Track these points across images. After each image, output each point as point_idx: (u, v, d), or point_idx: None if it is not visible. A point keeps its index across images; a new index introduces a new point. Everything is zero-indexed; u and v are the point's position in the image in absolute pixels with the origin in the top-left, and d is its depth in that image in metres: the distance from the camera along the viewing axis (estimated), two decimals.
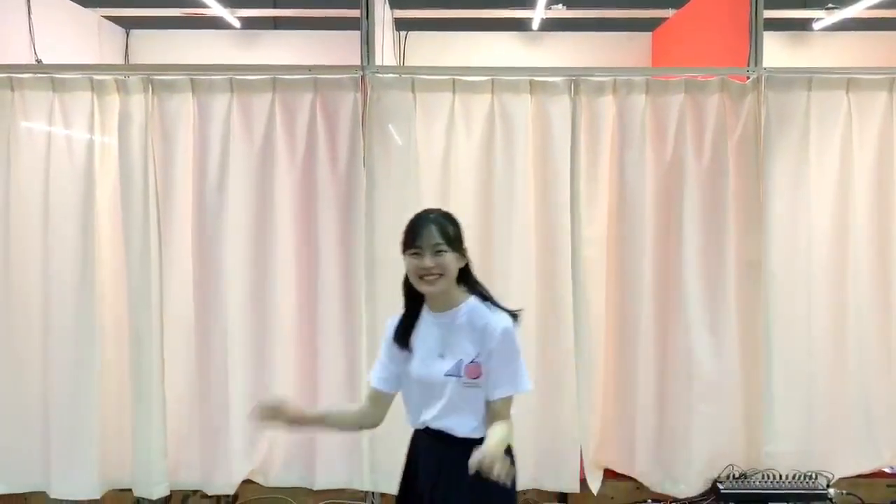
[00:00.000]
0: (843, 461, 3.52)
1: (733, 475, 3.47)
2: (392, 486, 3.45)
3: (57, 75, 3.41)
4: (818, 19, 5.62)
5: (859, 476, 3.56)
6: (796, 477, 3.45)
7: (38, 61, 4.07)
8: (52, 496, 3.48)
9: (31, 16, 4.11)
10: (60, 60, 4.19)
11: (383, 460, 3.44)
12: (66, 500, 3.49)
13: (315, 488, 3.53)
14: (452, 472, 2.16)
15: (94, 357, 3.41)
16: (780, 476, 3.45)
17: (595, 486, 3.53)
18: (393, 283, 3.37)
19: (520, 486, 3.49)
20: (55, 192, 3.42)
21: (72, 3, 4.89)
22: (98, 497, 3.46)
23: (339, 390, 3.49)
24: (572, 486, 3.51)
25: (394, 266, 3.39)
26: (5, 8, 3.91)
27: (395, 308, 3.35)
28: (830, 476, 3.47)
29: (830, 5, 5.44)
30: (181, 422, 3.53)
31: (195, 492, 3.57)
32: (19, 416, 3.49)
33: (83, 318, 3.40)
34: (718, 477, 3.48)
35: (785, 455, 3.48)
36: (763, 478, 3.45)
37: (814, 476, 3.45)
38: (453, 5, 5.64)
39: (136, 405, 3.42)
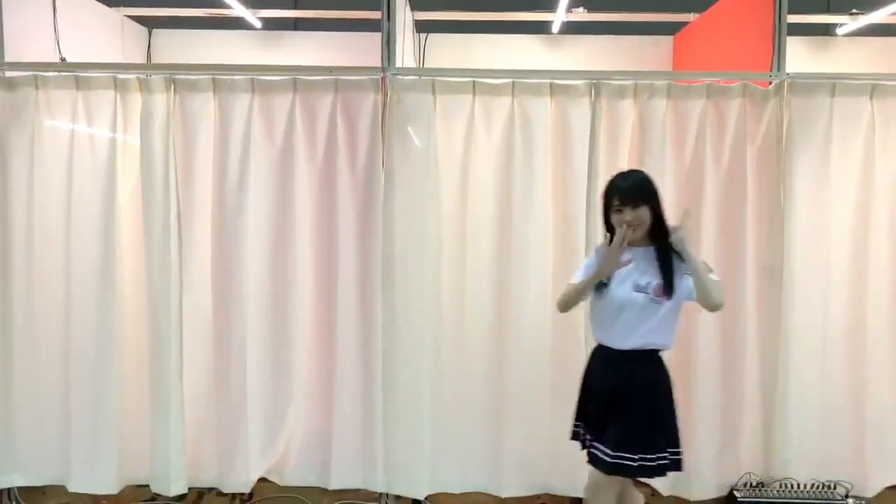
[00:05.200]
0: (863, 471, 3.49)
1: (750, 483, 3.45)
2: (405, 489, 3.49)
3: (81, 74, 3.44)
4: (842, 24, 5.57)
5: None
6: (814, 486, 3.42)
7: (63, 60, 4.11)
8: (71, 490, 3.51)
9: (56, 15, 4.15)
10: (84, 59, 4.23)
11: (397, 462, 3.45)
12: (85, 494, 3.52)
13: (330, 488, 3.54)
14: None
15: (115, 353, 3.44)
16: (798, 485, 3.42)
17: None
18: (410, 283, 3.42)
19: (533, 491, 3.54)
20: (78, 189, 3.45)
21: (96, 2, 4.94)
22: (116, 492, 3.49)
23: (355, 389, 3.50)
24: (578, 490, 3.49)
25: (411, 266, 3.44)
26: (31, 7, 3.95)
27: (413, 306, 3.36)
28: (849, 486, 3.43)
29: (854, 10, 5.39)
30: (198, 419, 3.55)
31: (210, 489, 3.59)
32: (40, 410, 3.52)
33: (104, 314, 3.43)
34: (735, 485, 3.46)
35: (803, 464, 3.45)
36: (780, 487, 3.42)
37: (832, 486, 3.42)
38: (473, 8, 5.64)
39: (154, 402, 3.45)
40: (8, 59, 3.51)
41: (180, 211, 3.44)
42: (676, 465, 2.73)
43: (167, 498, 3.49)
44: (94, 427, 3.47)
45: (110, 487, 3.47)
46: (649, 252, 2.74)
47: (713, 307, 2.70)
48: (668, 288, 2.68)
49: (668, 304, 2.71)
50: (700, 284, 2.67)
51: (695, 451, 3.47)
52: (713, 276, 2.71)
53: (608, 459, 2.70)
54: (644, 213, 2.67)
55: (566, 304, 2.86)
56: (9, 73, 3.47)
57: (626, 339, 2.74)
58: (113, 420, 3.45)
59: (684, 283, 2.71)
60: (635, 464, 2.67)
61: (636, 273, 2.71)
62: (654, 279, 2.70)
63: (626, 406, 2.71)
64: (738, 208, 3.44)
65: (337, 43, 5.68)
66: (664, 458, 2.69)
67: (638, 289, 2.69)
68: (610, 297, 2.74)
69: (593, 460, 2.79)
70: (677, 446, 2.74)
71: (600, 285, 2.76)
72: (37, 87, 3.43)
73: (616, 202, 2.68)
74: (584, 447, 2.89)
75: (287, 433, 3.57)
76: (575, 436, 2.96)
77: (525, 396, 3.48)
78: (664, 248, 2.72)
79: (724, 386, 3.48)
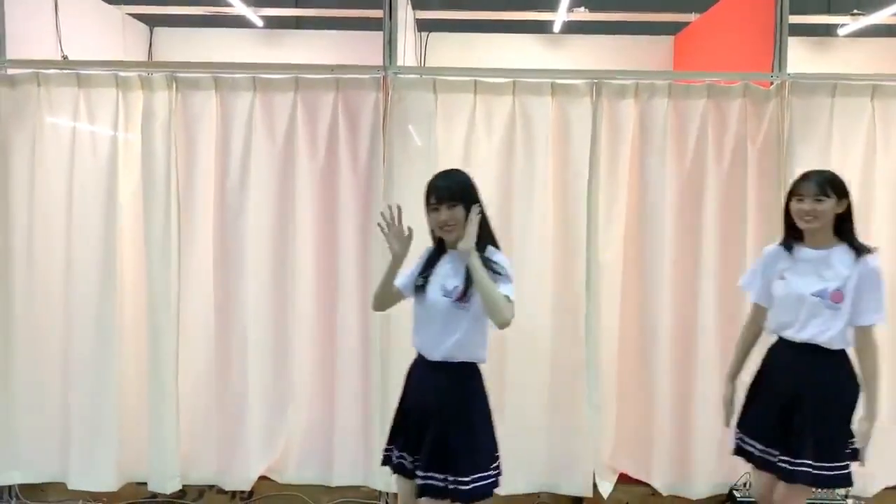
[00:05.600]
0: (863, 470, 3.48)
1: (750, 483, 3.45)
2: None
3: (82, 72, 3.45)
4: (843, 25, 5.58)
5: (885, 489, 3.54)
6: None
7: (64, 57, 4.11)
8: (71, 487, 3.51)
9: (58, 12, 4.15)
10: (85, 57, 4.23)
11: None
12: (84, 492, 3.52)
13: (331, 485, 3.55)
14: None
15: (114, 351, 3.45)
16: None
17: (606, 490, 3.52)
18: None
19: (533, 489, 3.54)
20: (79, 186, 3.46)
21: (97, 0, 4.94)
22: (115, 490, 3.50)
23: (355, 386, 3.51)
24: (586, 490, 3.50)
25: (411, 265, 3.44)
26: (33, 5, 3.95)
27: (410, 306, 3.33)
28: (849, 486, 3.43)
29: (855, 11, 5.39)
30: (199, 417, 3.56)
31: (211, 487, 3.60)
32: (40, 408, 3.53)
33: (104, 313, 3.44)
34: (735, 484, 3.46)
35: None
36: None
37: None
38: (475, 7, 5.65)
39: (151, 401, 3.45)
40: (10, 56, 3.51)
41: (181, 209, 3.44)
42: (488, 490, 2.52)
43: (167, 495, 3.49)
44: (93, 425, 3.47)
45: (110, 485, 3.47)
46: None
47: (498, 324, 2.43)
48: (464, 293, 2.48)
49: (475, 312, 2.49)
50: (483, 297, 2.43)
51: (694, 451, 3.48)
52: (505, 290, 2.43)
53: (418, 481, 2.53)
54: (460, 213, 2.51)
55: (375, 299, 2.71)
56: (11, 71, 3.48)
57: (435, 349, 2.55)
58: (112, 418, 3.45)
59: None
60: (442, 485, 2.48)
61: (449, 276, 2.55)
62: (461, 283, 2.51)
63: (440, 426, 2.50)
64: (738, 208, 3.44)
65: (338, 41, 5.68)
66: (480, 478, 2.49)
67: (445, 293, 2.53)
68: (423, 299, 2.59)
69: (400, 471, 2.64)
70: (486, 468, 2.52)
71: (418, 287, 2.60)
72: (38, 85, 3.44)
73: (433, 201, 2.54)
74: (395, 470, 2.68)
75: (287, 431, 3.58)
76: (386, 460, 2.74)
77: (524, 395, 3.48)
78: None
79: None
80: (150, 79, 3.42)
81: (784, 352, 2.76)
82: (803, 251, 2.72)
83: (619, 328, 3.58)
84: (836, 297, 2.61)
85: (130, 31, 5.41)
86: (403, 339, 3.42)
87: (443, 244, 2.64)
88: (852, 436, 2.67)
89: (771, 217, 3.43)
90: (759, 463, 2.79)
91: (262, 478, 3.59)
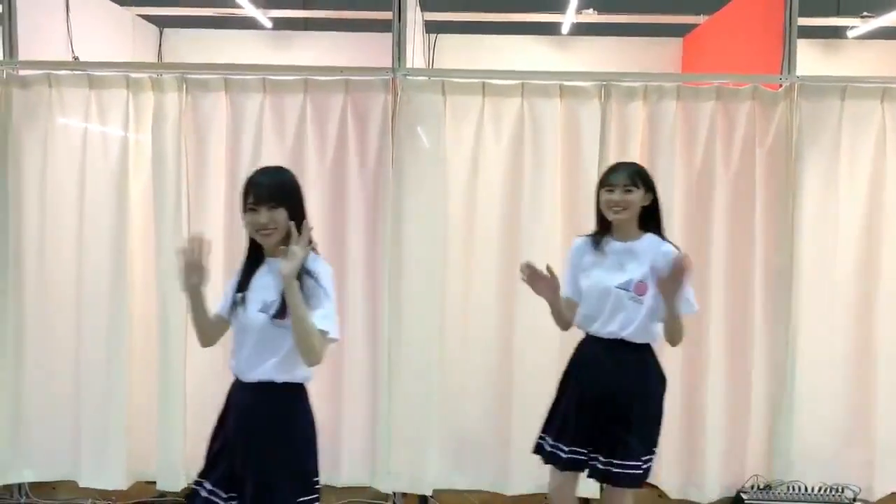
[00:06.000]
0: (870, 475, 3.48)
1: (758, 486, 3.45)
2: (412, 487, 3.50)
3: (93, 73, 3.47)
4: (853, 27, 5.56)
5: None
6: (822, 489, 3.41)
7: (75, 59, 4.13)
8: (83, 485, 3.53)
9: (69, 14, 4.17)
10: (96, 58, 4.25)
11: (404, 460, 3.46)
12: (93, 490, 3.54)
13: (338, 486, 3.56)
14: None
15: (125, 351, 3.46)
16: (806, 488, 3.41)
17: None
18: (417, 282, 3.43)
19: (538, 490, 3.54)
20: (90, 187, 3.48)
21: (108, 1, 4.96)
22: (125, 488, 3.51)
23: (362, 386, 3.52)
24: (593, 491, 3.48)
25: (418, 266, 3.45)
26: (44, 6, 3.97)
27: (420, 305, 3.32)
28: (857, 489, 3.43)
29: (865, 13, 5.38)
30: (208, 417, 3.56)
31: None
32: (51, 407, 3.55)
33: (115, 312, 3.45)
34: (742, 487, 3.46)
35: (810, 466, 3.45)
36: (788, 489, 3.42)
37: (840, 489, 3.41)
38: (483, 9, 5.65)
39: (160, 400, 3.47)
40: (22, 57, 3.53)
41: (191, 210, 3.46)
42: None
43: (175, 494, 3.51)
44: (104, 423, 3.49)
45: (120, 483, 3.49)
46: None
47: (308, 363, 2.19)
48: (282, 309, 2.17)
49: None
50: (295, 333, 2.14)
51: (702, 453, 3.48)
52: (321, 320, 2.15)
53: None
54: (281, 216, 2.18)
55: (198, 336, 2.45)
56: (22, 72, 3.50)
57: (251, 371, 2.25)
58: (123, 416, 3.47)
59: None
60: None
61: (268, 289, 2.23)
62: (274, 295, 2.20)
63: (249, 456, 2.25)
64: (747, 211, 3.44)
65: (347, 43, 5.69)
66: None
67: (264, 308, 2.21)
68: (240, 316, 2.29)
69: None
70: (309, 492, 2.27)
71: (234, 304, 2.30)
72: (50, 86, 3.46)
73: (251, 200, 2.19)
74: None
75: None
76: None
77: (532, 395, 3.47)
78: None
79: (732, 387, 3.48)
80: (160, 80, 3.44)
81: (590, 347, 2.73)
82: (611, 244, 2.68)
83: None
84: (641, 288, 2.59)
85: (140, 33, 5.43)
86: (411, 340, 3.45)
87: (259, 251, 2.30)
88: (659, 433, 2.68)
89: (779, 218, 3.43)
90: (566, 464, 2.70)
91: None
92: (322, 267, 2.24)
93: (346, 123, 3.45)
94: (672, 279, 2.49)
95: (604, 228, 2.71)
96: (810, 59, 4.94)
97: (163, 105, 3.43)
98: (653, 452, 2.67)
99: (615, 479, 2.62)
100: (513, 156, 3.47)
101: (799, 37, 3.46)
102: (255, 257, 2.32)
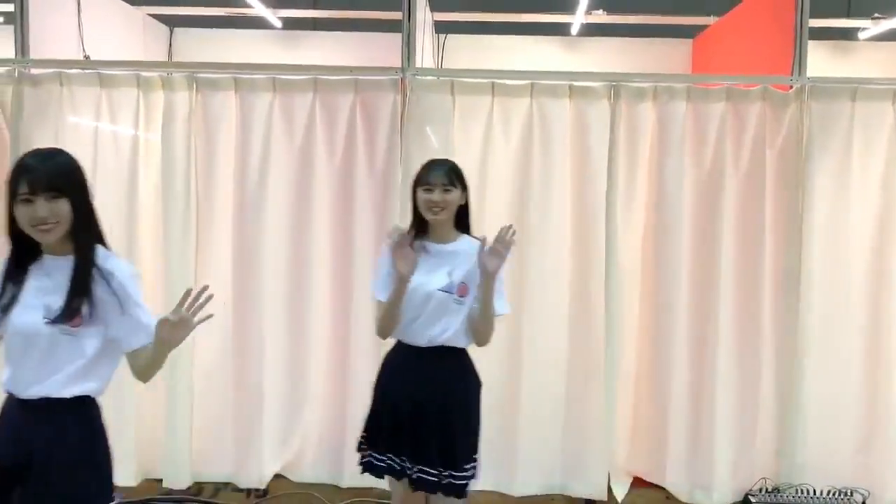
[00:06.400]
0: (880, 479, 3.46)
1: (766, 488, 3.43)
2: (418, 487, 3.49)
3: (104, 71, 3.49)
4: (864, 28, 5.53)
5: None
6: (830, 493, 3.40)
7: (87, 57, 4.15)
8: None
9: (81, 13, 4.19)
10: (107, 57, 4.27)
11: None
12: None
13: (343, 485, 3.56)
14: None
15: None
16: (814, 491, 3.40)
17: (621, 493, 3.52)
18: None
19: (548, 491, 3.54)
20: (100, 185, 3.48)
21: (119, 0, 4.99)
22: (134, 485, 3.53)
23: (366, 390, 3.50)
24: (600, 493, 3.49)
25: None
26: (56, 5, 3.99)
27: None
28: (866, 493, 3.41)
29: (876, 14, 5.35)
30: (215, 415, 3.58)
31: (226, 484, 3.62)
32: None
33: None
34: (751, 490, 3.45)
35: (819, 470, 3.43)
36: (796, 492, 3.40)
37: (849, 492, 3.40)
38: (493, 9, 5.66)
39: (167, 398, 3.48)
40: (33, 56, 3.55)
41: (200, 208, 3.47)
42: None
43: (182, 491, 3.52)
44: (113, 420, 3.48)
45: (128, 480, 3.50)
46: (69, 262, 1.89)
47: (140, 376, 2.07)
48: (71, 313, 1.85)
49: (90, 339, 1.91)
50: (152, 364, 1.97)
51: (710, 456, 3.46)
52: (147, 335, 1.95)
53: None
54: (64, 208, 1.84)
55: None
56: (34, 70, 3.52)
57: (28, 387, 1.89)
58: (131, 414, 3.48)
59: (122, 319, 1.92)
60: None
61: (51, 293, 1.88)
62: (60, 300, 1.86)
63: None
64: (756, 213, 3.43)
65: (356, 43, 5.70)
66: None
67: (48, 314, 1.87)
68: (8, 323, 1.90)
69: None
70: None
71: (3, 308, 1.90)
72: (61, 84, 3.48)
73: (24, 189, 1.81)
74: None
75: (302, 430, 3.60)
76: None
77: (540, 397, 3.49)
78: (83, 259, 1.89)
79: (741, 390, 3.47)
80: (170, 79, 3.45)
81: (404, 353, 2.55)
82: (429, 246, 2.52)
83: (636, 331, 3.57)
84: (462, 290, 2.47)
85: (151, 32, 5.46)
86: None
87: (23, 250, 1.92)
88: (478, 440, 2.55)
89: (789, 220, 3.41)
90: (397, 473, 2.53)
91: (278, 476, 3.61)
92: (115, 262, 1.93)
93: (356, 123, 3.46)
94: (496, 251, 2.40)
95: (420, 230, 2.54)
96: (821, 60, 4.92)
97: (173, 104, 3.45)
98: (475, 460, 2.54)
99: (441, 489, 2.46)
100: (522, 156, 3.47)
101: (809, 38, 3.45)
102: (21, 255, 1.92)
